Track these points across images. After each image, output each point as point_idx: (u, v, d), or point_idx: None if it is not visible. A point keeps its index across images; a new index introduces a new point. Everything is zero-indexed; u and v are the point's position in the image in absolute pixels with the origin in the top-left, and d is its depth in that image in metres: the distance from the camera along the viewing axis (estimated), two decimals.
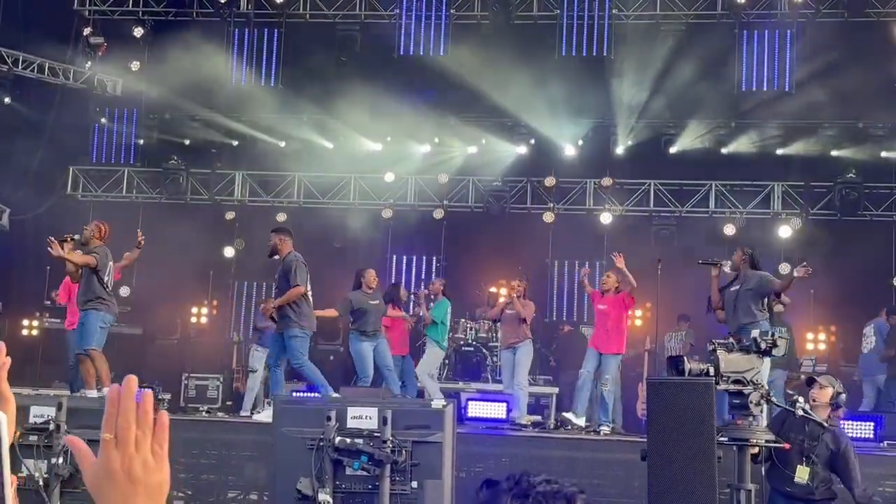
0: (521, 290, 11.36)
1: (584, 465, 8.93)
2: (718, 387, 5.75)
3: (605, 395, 10.38)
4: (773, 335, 5.93)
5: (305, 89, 15.63)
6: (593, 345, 10.71)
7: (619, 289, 10.66)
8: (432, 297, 12.35)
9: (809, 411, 6.15)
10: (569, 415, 10.49)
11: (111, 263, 9.56)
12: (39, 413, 5.04)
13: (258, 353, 12.19)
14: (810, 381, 6.71)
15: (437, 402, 5.39)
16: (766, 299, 9.52)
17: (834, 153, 15.14)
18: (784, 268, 13.65)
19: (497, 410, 10.28)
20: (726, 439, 5.81)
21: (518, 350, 11.11)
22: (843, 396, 6.48)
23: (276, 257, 9.69)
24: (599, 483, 8.73)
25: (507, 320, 11.37)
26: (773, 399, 6.14)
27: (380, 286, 11.77)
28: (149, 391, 1.32)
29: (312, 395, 10.25)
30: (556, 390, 12.49)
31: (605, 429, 10.29)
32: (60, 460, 4.96)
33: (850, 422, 8.67)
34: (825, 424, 6.25)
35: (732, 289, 9.59)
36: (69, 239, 9.76)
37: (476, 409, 10.31)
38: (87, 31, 16.13)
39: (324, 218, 16.04)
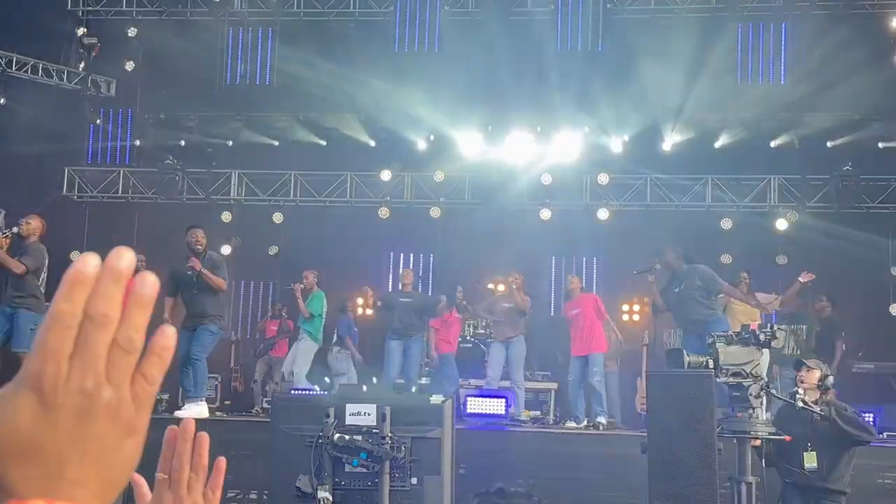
0: (519, 284, 11.30)
1: (584, 459, 8.93)
2: (718, 379, 5.75)
3: (597, 385, 10.43)
4: (771, 327, 5.91)
5: (300, 87, 15.58)
6: (574, 352, 10.80)
7: (584, 289, 10.83)
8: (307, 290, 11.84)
9: (809, 403, 6.15)
10: (570, 423, 10.58)
11: (47, 261, 9.62)
12: None
13: (340, 356, 12.56)
14: (798, 364, 6.73)
15: (436, 398, 5.36)
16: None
17: (830, 145, 15.13)
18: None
19: (496, 406, 10.27)
20: (726, 432, 5.80)
21: (512, 345, 11.05)
22: (831, 379, 6.52)
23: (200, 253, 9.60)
24: (599, 477, 8.72)
25: (507, 314, 11.28)
26: (773, 391, 6.14)
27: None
28: (204, 434, 1.32)
29: (310, 392, 10.22)
30: (555, 385, 12.46)
31: (601, 420, 10.30)
32: None
33: None
34: (822, 413, 6.24)
35: (676, 289, 9.63)
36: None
37: (475, 406, 10.30)
38: (80, 31, 16.07)
39: (320, 216, 16.01)
